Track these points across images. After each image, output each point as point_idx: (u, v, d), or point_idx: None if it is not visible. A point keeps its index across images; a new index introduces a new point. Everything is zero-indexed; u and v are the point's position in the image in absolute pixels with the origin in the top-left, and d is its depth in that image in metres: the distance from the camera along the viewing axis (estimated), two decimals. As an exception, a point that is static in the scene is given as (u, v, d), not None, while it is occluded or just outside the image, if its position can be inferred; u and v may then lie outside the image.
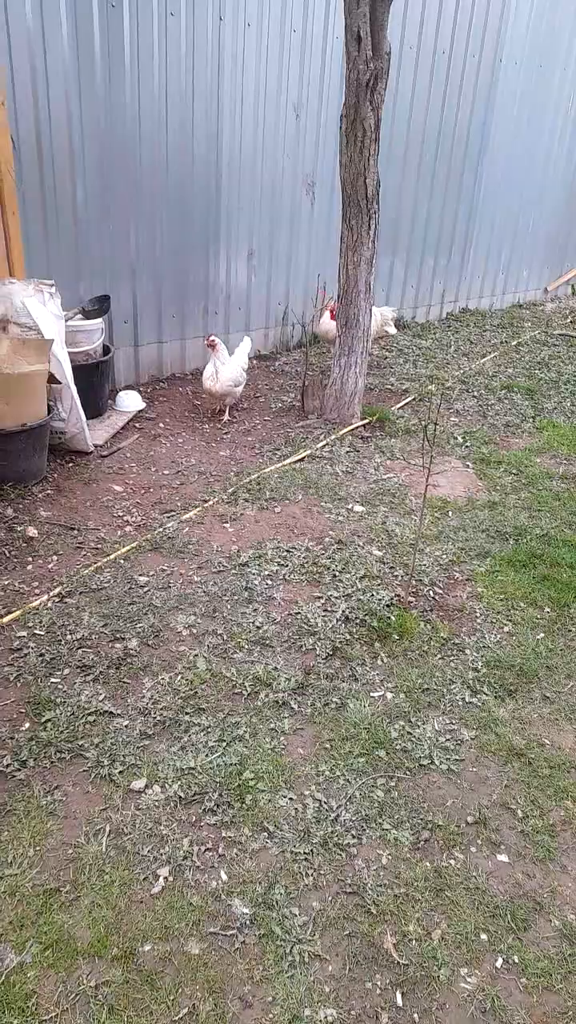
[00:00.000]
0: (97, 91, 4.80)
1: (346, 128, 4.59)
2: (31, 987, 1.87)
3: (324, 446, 4.94)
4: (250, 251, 6.14)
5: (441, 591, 3.54)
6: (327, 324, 6.10)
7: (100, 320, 4.95)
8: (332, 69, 6.00)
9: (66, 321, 4.52)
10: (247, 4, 5.34)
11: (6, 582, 3.39)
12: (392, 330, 6.68)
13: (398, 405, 5.70)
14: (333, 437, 5.06)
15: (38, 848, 2.21)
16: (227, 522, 4.01)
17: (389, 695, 2.89)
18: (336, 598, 3.40)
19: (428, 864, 2.26)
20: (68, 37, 4.55)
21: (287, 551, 3.75)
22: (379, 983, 1.95)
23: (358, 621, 3.26)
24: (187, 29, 5.08)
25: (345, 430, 5.15)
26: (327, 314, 6.14)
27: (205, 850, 2.24)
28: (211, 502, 4.18)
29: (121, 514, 4.04)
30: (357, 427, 5.24)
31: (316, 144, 6.19)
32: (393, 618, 3.26)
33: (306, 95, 5.97)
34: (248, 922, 2.05)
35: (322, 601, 3.38)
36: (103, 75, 4.79)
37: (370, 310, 5.15)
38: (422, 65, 6.68)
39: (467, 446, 5.14)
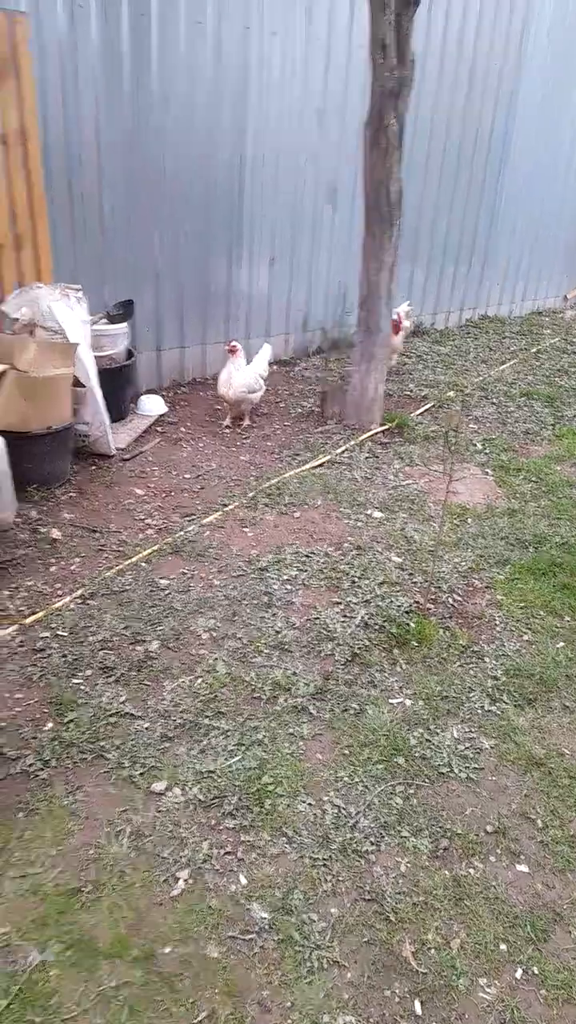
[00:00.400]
0: (124, 99, 4.85)
1: (370, 135, 4.60)
2: (53, 986, 1.89)
3: (343, 452, 4.95)
4: (272, 257, 6.17)
5: (460, 598, 3.54)
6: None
7: (124, 325, 4.99)
8: (355, 76, 6.03)
9: (91, 325, 4.57)
10: (273, 14, 5.38)
11: (30, 583, 3.43)
12: (407, 323, 6.56)
13: (417, 411, 5.70)
14: (352, 443, 5.07)
15: (60, 848, 2.24)
16: (247, 526, 4.03)
17: (408, 702, 2.89)
18: (355, 604, 3.41)
19: (447, 873, 2.26)
20: (97, 46, 4.61)
21: (306, 556, 3.76)
22: (398, 991, 1.95)
23: (377, 627, 3.26)
24: (214, 38, 5.13)
25: (364, 436, 5.16)
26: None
27: (224, 853, 2.26)
28: (231, 506, 4.21)
29: (143, 517, 4.07)
30: (376, 433, 5.25)
31: (338, 151, 6.21)
32: (412, 625, 3.27)
33: (329, 102, 6.00)
34: (267, 927, 2.07)
35: (341, 607, 3.40)
36: (131, 83, 4.84)
37: (391, 317, 5.15)
38: (445, 72, 6.69)
39: (486, 453, 5.13)
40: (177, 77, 5.05)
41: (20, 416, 3.95)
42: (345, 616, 3.33)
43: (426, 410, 5.75)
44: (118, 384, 4.96)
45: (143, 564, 3.63)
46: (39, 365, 4.02)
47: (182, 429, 5.24)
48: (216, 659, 3.02)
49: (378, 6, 4.21)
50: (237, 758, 2.56)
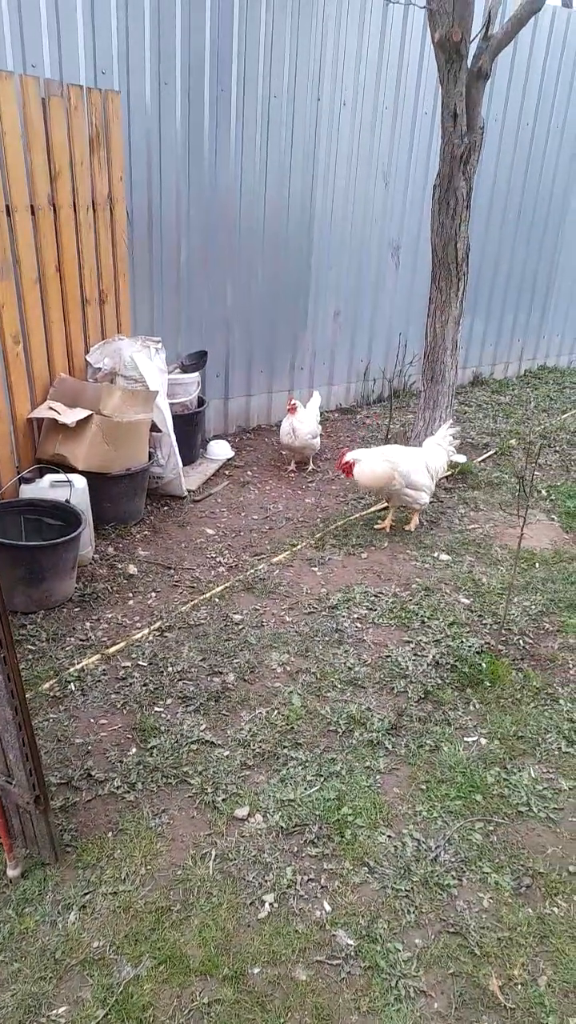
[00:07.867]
0: (204, 165, 5.19)
1: (439, 197, 4.82)
2: (147, 999, 1.95)
3: (408, 496, 5.04)
4: (336, 310, 6.41)
5: (531, 641, 3.55)
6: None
7: (197, 374, 5.23)
8: (420, 141, 6.31)
9: (167, 375, 4.82)
10: (344, 85, 5.72)
11: (110, 615, 3.58)
12: (461, 458, 5.61)
13: (480, 458, 5.77)
14: (416, 488, 5.15)
15: (149, 867, 2.31)
16: (315, 566, 4.13)
17: (483, 740, 2.90)
18: (426, 643, 3.45)
19: (531, 910, 2.25)
20: (181, 118, 4.97)
21: (375, 596, 3.83)
22: (486, 1025, 1.95)
23: (449, 666, 3.29)
24: (287, 110, 5.47)
25: (428, 481, 5.24)
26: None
27: (308, 880, 2.29)
28: (299, 546, 4.32)
29: (214, 555, 4.21)
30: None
31: (402, 211, 6.47)
32: (484, 665, 3.29)
33: (394, 165, 6.28)
34: (353, 953, 2.09)
35: (412, 645, 3.44)
36: (210, 150, 5.19)
37: (456, 367, 5.28)
38: (506, 135, 6.94)
39: (551, 500, 5.15)
40: (253, 144, 5.38)
41: (103, 459, 4.16)
42: (416, 655, 3.37)
43: (488, 457, 5.82)
44: (189, 430, 5.18)
45: (216, 600, 3.74)
46: (122, 411, 4.25)
47: (248, 473, 5.41)
48: (291, 692, 3.09)
49: (451, 80, 4.45)
50: (316, 788, 2.61)
